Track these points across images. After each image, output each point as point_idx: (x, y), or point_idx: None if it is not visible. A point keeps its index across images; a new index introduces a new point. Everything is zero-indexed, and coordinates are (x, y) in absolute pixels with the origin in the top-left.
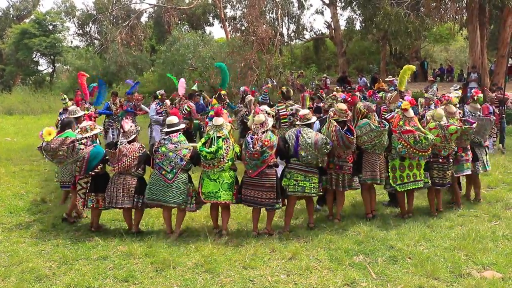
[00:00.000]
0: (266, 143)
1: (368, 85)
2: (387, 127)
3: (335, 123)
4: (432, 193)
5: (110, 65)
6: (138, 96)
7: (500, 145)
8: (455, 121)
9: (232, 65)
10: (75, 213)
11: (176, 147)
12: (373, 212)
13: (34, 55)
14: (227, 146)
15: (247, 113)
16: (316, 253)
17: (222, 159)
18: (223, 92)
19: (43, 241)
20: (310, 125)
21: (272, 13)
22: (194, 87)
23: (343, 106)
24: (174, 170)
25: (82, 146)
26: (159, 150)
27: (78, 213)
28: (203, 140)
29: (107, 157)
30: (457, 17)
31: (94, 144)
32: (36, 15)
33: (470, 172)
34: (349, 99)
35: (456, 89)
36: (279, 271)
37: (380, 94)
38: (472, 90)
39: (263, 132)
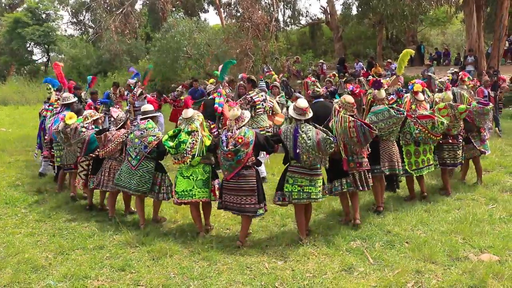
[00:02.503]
0: (239, 140)
1: (365, 69)
2: (404, 113)
3: (352, 118)
4: (446, 174)
5: (104, 54)
6: (140, 85)
7: (496, 128)
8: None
9: (228, 51)
10: (73, 193)
11: (142, 134)
12: (382, 204)
13: (28, 45)
14: (193, 140)
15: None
16: (313, 238)
17: (185, 154)
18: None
19: (39, 232)
20: (309, 120)
21: None
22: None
23: (351, 99)
24: (138, 157)
25: (83, 129)
26: (129, 136)
27: (74, 193)
28: (170, 132)
29: None
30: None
31: (95, 129)
32: (29, 3)
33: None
34: (357, 91)
35: (452, 72)
36: (276, 257)
37: (384, 81)
38: (460, 73)
39: (238, 129)
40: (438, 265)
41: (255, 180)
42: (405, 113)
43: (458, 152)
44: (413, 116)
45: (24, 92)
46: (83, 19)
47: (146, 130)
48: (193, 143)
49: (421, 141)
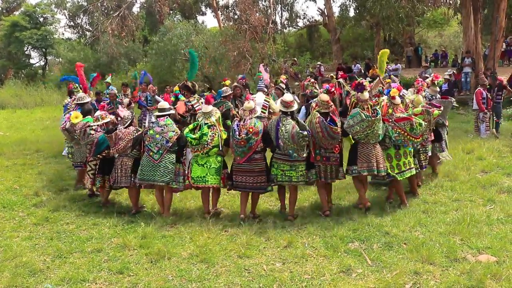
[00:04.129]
0: (251, 129)
1: (363, 71)
2: (378, 116)
3: (318, 114)
4: (416, 177)
5: (102, 57)
6: (153, 87)
7: (494, 129)
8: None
9: (225, 54)
10: (83, 187)
11: (162, 129)
12: (367, 203)
13: (25, 48)
14: (212, 133)
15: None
16: (312, 240)
17: (206, 145)
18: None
19: (37, 235)
20: (293, 113)
21: (264, 1)
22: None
23: (326, 97)
24: (160, 151)
25: (92, 132)
26: (148, 133)
27: (87, 188)
28: (191, 126)
29: None
30: (450, 2)
31: (103, 131)
32: (26, 7)
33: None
34: (332, 89)
35: (450, 74)
36: (275, 259)
37: (366, 83)
38: (432, 74)
39: (250, 119)
40: (436, 266)
41: (264, 163)
42: (379, 115)
43: (423, 155)
44: (390, 120)
45: (22, 96)
46: (81, 22)
47: (166, 126)
48: (213, 136)
49: (401, 144)
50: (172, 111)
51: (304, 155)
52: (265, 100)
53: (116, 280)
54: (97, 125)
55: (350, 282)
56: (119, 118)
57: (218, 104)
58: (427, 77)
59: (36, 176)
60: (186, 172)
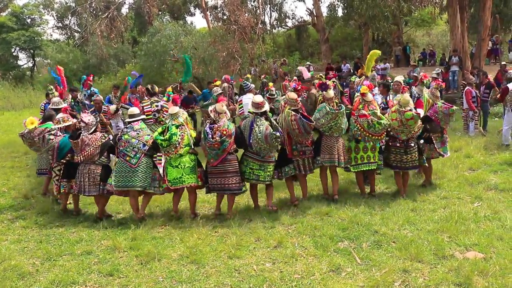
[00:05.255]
0: (224, 132)
1: (352, 71)
2: (342, 109)
3: (293, 112)
4: (398, 175)
5: (91, 58)
6: (142, 88)
7: (481, 128)
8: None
9: (215, 54)
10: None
11: (138, 133)
12: (336, 195)
13: (13, 50)
14: (181, 132)
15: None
16: (301, 240)
17: (177, 145)
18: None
19: (25, 238)
20: (266, 114)
21: (253, 1)
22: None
23: (294, 95)
24: (138, 155)
25: (52, 137)
26: (122, 138)
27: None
28: (160, 129)
29: None
30: (437, 0)
31: (63, 134)
32: (13, 8)
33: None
34: (299, 87)
35: (438, 73)
36: (265, 259)
37: (352, 79)
38: (420, 74)
39: (222, 121)
40: (425, 263)
41: (237, 163)
42: (342, 109)
43: (406, 157)
44: (356, 114)
45: (10, 98)
46: (69, 24)
47: (141, 130)
48: (182, 135)
49: (360, 138)
50: (143, 117)
51: (274, 156)
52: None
53: (106, 282)
54: (57, 128)
55: (339, 281)
56: (82, 124)
57: (212, 104)
58: (416, 76)
59: (25, 178)
60: (163, 176)
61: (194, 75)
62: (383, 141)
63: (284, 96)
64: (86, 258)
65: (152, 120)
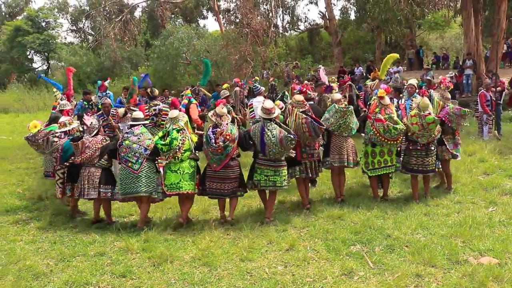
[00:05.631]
0: (228, 137)
1: (364, 74)
2: (350, 108)
3: (304, 115)
4: (415, 180)
5: (105, 61)
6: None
7: (496, 131)
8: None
9: (227, 57)
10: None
11: (138, 138)
12: (342, 196)
13: (28, 53)
14: (182, 137)
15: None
16: (313, 243)
17: (178, 150)
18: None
19: (40, 239)
20: (272, 119)
21: (266, 5)
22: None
23: (300, 97)
24: (140, 160)
25: (56, 139)
26: (123, 143)
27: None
28: (160, 133)
29: None
30: (451, 3)
31: (67, 137)
32: (29, 12)
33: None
34: (304, 89)
35: (451, 76)
36: (277, 262)
37: (367, 82)
38: (440, 77)
39: (226, 126)
40: (438, 268)
41: (239, 169)
42: (350, 108)
43: (427, 160)
44: (372, 118)
45: (25, 100)
46: (83, 27)
47: (142, 134)
48: (183, 140)
49: (376, 142)
50: (146, 122)
51: (293, 154)
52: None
53: (119, 284)
54: (62, 132)
55: (352, 285)
56: (84, 127)
57: (212, 108)
58: (429, 80)
59: (39, 180)
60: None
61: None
62: (401, 145)
63: (290, 100)
64: (99, 259)
65: (151, 124)
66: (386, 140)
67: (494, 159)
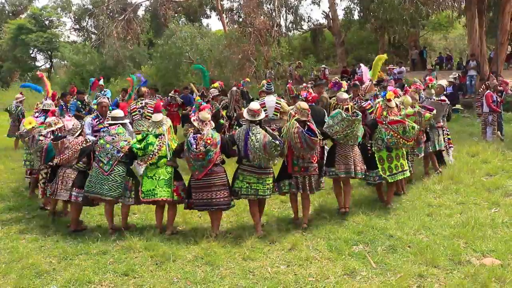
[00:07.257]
0: (209, 141)
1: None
2: (359, 116)
3: (297, 124)
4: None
5: (108, 60)
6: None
7: (499, 132)
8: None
9: (230, 57)
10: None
11: (113, 139)
12: (347, 208)
13: (31, 51)
14: (160, 143)
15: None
16: (316, 243)
17: (152, 155)
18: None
19: (43, 237)
20: (260, 122)
21: (269, 4)
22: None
23: (305, 105)
24: (111, 162)
25: (41, 138)
26: (98, 142)
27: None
28: (139, 137)
29: None
30: (455, 4)
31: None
32: (32, 10)
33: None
34: (310, 97)
35: (455, 77)
36: (279, 262)
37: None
38: (427, 78)
39: (206, 131)
40: (441, 269)
41: (225, 175)
42: (359, 116)
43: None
44: (384, 122)
45: (28, 99)
46: (86, 26)
47: (118, 135)
48: (160, 145)
49: (393, 146)
50: (126, 121)
51: (276, 162)
52: (276, 102)
53: (122, 282)
54: (48, 131)
55: (354, 284)
56: (66, 129)
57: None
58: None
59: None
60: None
61: (209, 77)
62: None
63: (292, 107)
64: (102, 257)
65: (138, 116)
66: (405, 141)
67: (497, 160)
